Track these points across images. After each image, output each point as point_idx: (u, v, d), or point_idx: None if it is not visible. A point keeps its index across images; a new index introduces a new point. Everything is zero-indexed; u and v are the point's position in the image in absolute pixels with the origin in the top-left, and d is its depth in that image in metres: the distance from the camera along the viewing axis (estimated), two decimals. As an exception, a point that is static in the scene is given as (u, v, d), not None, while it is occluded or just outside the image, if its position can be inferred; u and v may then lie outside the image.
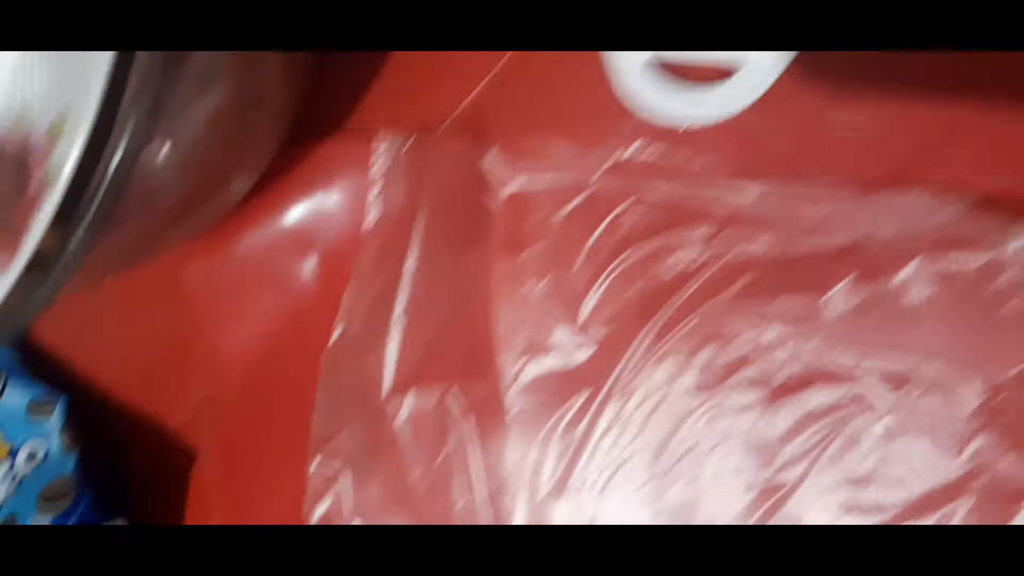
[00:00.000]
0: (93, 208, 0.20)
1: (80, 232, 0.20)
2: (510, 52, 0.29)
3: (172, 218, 0.27)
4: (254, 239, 0.31)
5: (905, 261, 0.25)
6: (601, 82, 0.28)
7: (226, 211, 0.29)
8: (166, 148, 0.24)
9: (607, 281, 0.28)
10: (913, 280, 0.25)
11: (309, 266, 0.31)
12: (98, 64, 0.21)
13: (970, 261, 0.24)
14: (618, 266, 0.28)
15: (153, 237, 0.27)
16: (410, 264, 0.29)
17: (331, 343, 0.30)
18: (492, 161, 0.30)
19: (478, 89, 0.30)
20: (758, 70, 0.26)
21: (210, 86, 0.24)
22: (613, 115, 0.28)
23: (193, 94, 0.24)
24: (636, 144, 0.28)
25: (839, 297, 0.26)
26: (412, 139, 0.30)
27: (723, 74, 0.27)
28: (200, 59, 0.23)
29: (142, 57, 0.21)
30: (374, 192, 0.30)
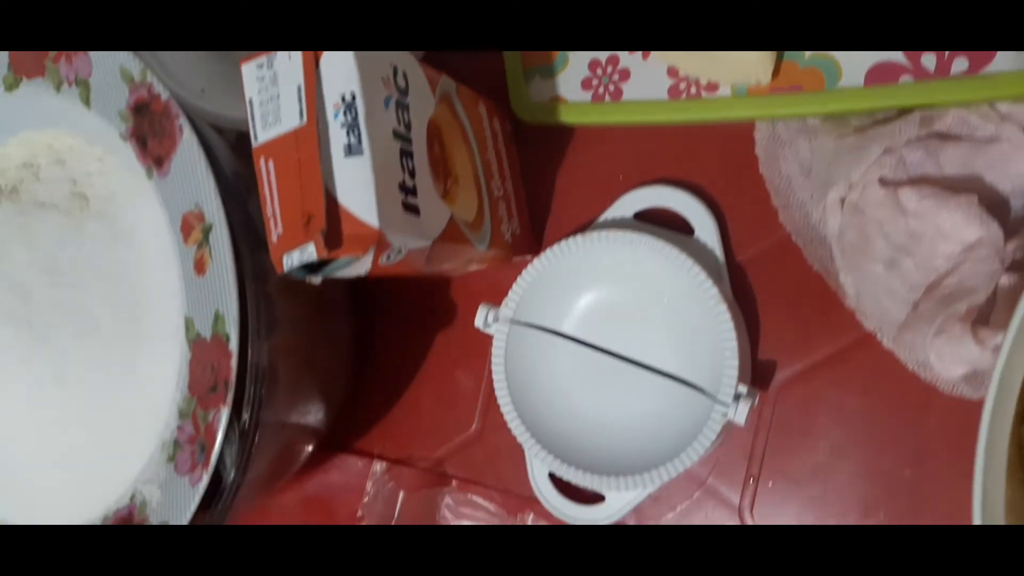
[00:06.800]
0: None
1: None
2: (475, 426, 0.42)
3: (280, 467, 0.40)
4: (288, 499, 0.46)
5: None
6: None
7: (294, 471, 0.43)
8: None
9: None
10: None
11: (315, 521, 0.46)
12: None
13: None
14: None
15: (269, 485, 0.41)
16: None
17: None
18: (448, 498, 0.43)
19: (448, 446, 0.43)
20: (619, 502, 0.37)
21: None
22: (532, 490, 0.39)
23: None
24: (541, 522, 0.40)
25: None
26: (397, 468, 0.43)
27: (599, 497, 0.38)
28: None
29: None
30: (367, 497, 0.44)
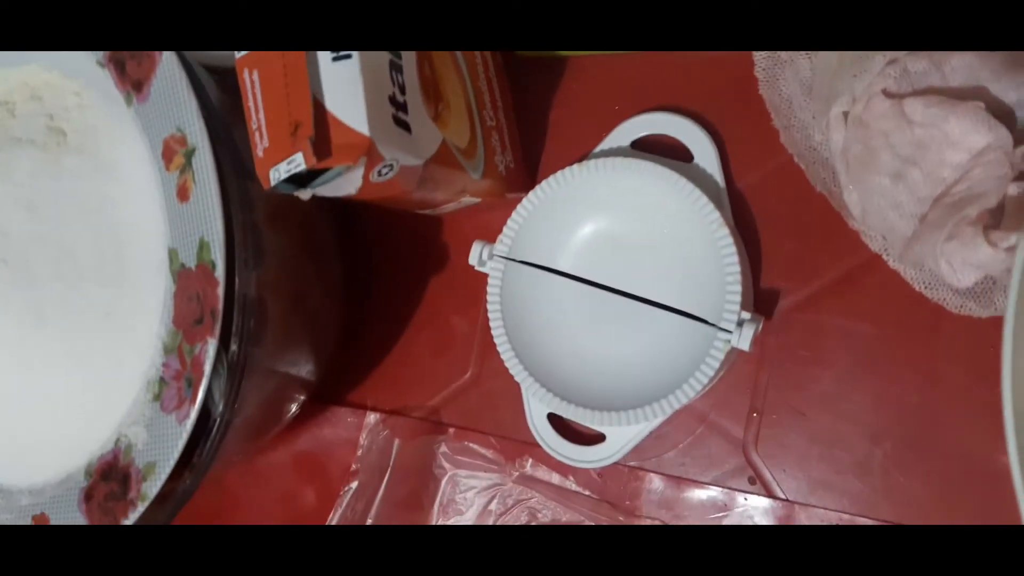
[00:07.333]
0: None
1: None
2: (471, 372, 0.41)
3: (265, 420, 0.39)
4: (280, 455, 0.45)
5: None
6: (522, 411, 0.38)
7: (280, 428, 0.42)
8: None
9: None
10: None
11: (308, 478, 0.45)
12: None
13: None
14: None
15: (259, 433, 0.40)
16: (375, 508, 0.42)
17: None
18: (444, 446, 0.42)
19: (444, 394, 0.42)
20: (620, 440, 0.36)
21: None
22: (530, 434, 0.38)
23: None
24: (540, 467, 0.40)
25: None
26: (392, 418, 0.43)
27: (599, 437, 0.37)
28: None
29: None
30: (361, 449, 0.43)
